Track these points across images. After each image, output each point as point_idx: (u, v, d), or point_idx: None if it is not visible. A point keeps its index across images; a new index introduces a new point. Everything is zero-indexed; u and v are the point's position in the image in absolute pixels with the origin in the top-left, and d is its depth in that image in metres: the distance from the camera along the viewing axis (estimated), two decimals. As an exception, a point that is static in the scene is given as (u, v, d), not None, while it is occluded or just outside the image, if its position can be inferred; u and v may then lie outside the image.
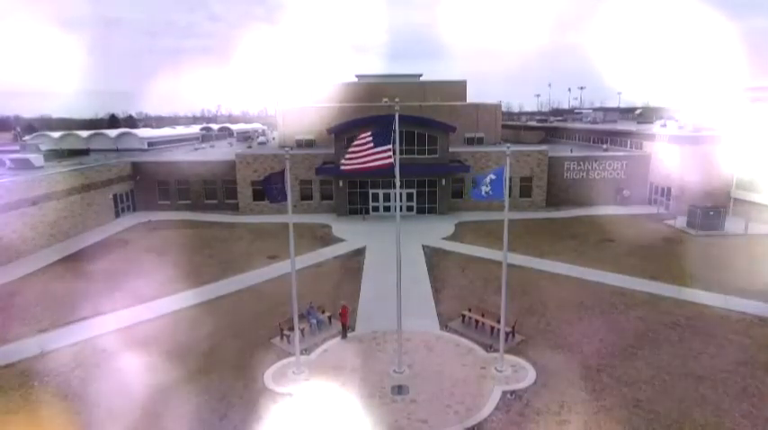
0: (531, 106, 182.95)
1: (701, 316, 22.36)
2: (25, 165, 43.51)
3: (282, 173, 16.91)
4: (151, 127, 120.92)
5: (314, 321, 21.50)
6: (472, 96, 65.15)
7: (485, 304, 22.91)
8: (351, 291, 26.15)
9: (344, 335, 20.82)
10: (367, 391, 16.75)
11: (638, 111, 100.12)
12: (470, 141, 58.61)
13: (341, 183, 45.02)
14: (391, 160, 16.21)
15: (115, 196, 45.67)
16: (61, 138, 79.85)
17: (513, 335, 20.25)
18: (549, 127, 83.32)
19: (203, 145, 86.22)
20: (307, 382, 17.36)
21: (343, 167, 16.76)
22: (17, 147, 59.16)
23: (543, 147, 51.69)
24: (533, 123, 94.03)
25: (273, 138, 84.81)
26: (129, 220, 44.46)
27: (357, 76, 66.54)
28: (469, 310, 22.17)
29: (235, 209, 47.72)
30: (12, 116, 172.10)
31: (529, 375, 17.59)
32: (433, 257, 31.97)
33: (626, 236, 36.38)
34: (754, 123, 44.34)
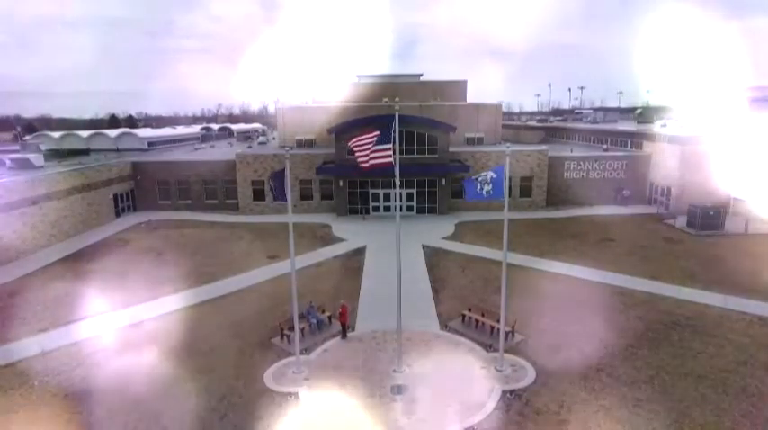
0: (531, 106, 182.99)
1: (700, 315, 22.38)
2: (25, 164, 43.56)
3: (283, 172, 16.95)
4: (151, 127, 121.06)
5: (314, 321, 21.51)
6: (472, 96, 65.14)
7: (485, 304, 22.93)
8: (351, 290, 26.17)
9: (344, 335, 20.84)
10: (367, 391, 16.77)
11: (638, 111, 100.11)
12: (470, 141, 58.59)
13: (341, 183, 45.05)
14: (391, 159, 16.25)
15: (115, 196, 45.70)
16: (61, 137, 80.00)
17: (513, 335, 20.26)
18: (549, 127, 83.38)
19: (203, 145, 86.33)
20: (307, 382, 17.38)
21: (355, 151, 16.56)
22: (17, 147, 59.15)
23: (543, 147, 51.70)
24: (533, 123, 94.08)
25: (274, 138, 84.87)
26: (129, 220, 44.48)
27: (357, 76, 66.51)
28: (469, 310, 22.19)
29: (235, 209, 47.75)
30: (12, 116, 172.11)
31: (528, 375, 17.61)
32: (433, 257, 31.99)
33: (626, 235, 36.41)
34: (754, 123, 44.34)
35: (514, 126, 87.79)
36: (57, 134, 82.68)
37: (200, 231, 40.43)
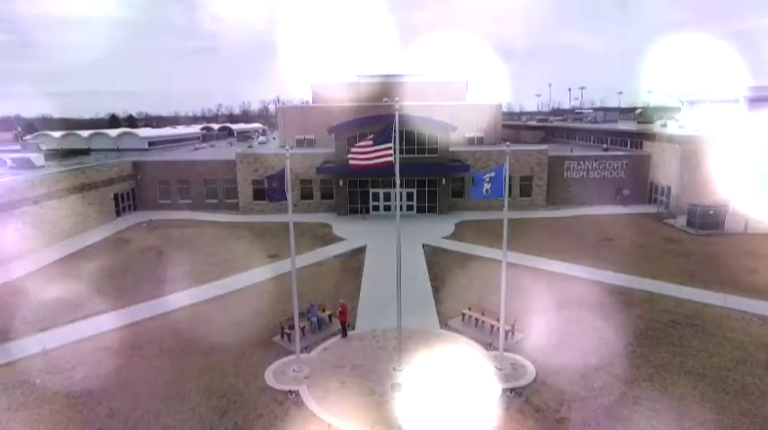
0: (531, 106, 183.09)
1: (700, 314, 22.42)
2: (26, 164, 43.62)
3: (282, 172, 16.97)
4: (152, 127, 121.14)
5: (314, 319, 21.55)
6: (473, 96, 65.20)
7: (484, 303, 22.94)
8: (351, 289, 26.22)
9: (345, 334, 20.88)
10: (367, 389, 16.81)
11: (638, 111, 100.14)
12: (471, 141, 58.66)
13: (341, 183, 45.09)
14: (392, 158, 16.29)
15: (116, 195, 45.75)
16: (62, 137, 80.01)
17: (513, 334, 20.30)
18: (549, 127, 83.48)
19: (204, 144, 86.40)
20: (307, 380, 17.42)
21: (351, 162, 16.86)
22: (18, 147, 59.22)
23: (543, 147, 51.73)
24: (534, 123, 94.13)
25: (274, 138, 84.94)
26: (129, 220, 44.53)
27: (358, 76, 66.57)
28: (469, 309, 22.23)
29: (235, 208, 47.78)
30: (13, 116, 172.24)
31: (528, 373, 17.64)
32: (433, 256, 32.03)
33: (626, 235, 36.45)
34: (753, 123, 44.38)
35: (515, 126, 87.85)
36: (57, 134, 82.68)
37: (200, 231, 40.47)
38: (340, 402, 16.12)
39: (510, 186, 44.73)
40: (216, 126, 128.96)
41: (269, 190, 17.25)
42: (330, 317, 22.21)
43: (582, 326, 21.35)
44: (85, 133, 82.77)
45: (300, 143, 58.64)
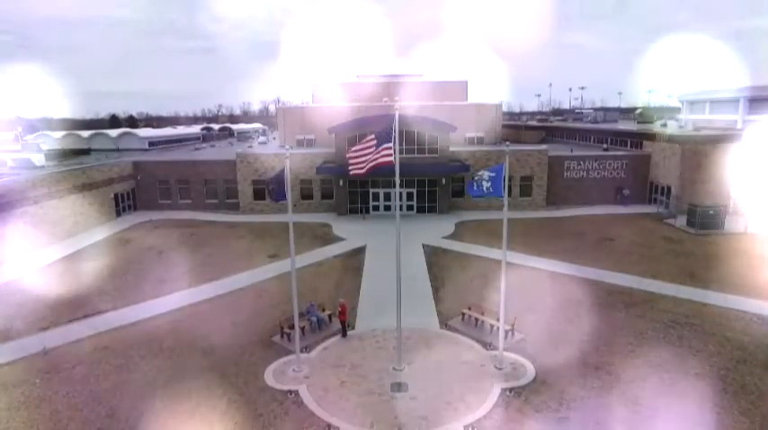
0: (531, 106, 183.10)
1: (700, 314, 22.41)
2: (27, 164, 43.67)
3: (281, 174, 17.00)
4: (152, 127, 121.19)
5: (314, 319, 21.57)
6: (473, 96, 65.20)
7: (484, 302, 22.94)
8: (351, 289, 26.23)
9: (344, 334, 20.90)
10: (367, 388, 16.82)
11: (638, 111, 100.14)
12: (471, 141, 58.66)
13: (341, 183, 45.11)
14: (392, 158, 16.31)
15: (116, 195, 45.79)
16: (62, 137, 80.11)
17: (513, 333, 20.31)
18: (549, 126, 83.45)
19: (204, 145, 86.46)
20: (307, 380, 17.43)
21: (351, 172, 16.97)
22: (19, 147, 59.25)
23: (543, 147, 51.75)
24: (534, 123, 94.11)
25: (274, 138, 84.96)
26: (130, 220, 44.57)
27: (358, 76, 66.61)
28: (469, 308, 22.24)
29: (235, 208, 47.81)
30: (14, 116, 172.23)
31: (528, 373, 17.66)
32: (433, 256, 32.05)
33: (625, 235, 36.46)
34: (753, 123, 44.38)
35: (515, 126, 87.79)
36: (58, 134, 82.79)
37: (200, 230, 40.50)
38: (339, 402, 16.14)
39: (510, 186, 45.32)
40: (216, 126, 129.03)
41: (271, 190, 17.35)
42: (330, 316, 22.22)
43: (581, 325, 21.37)
44: (86, 133, 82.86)
45: (300, 143, 58.67)
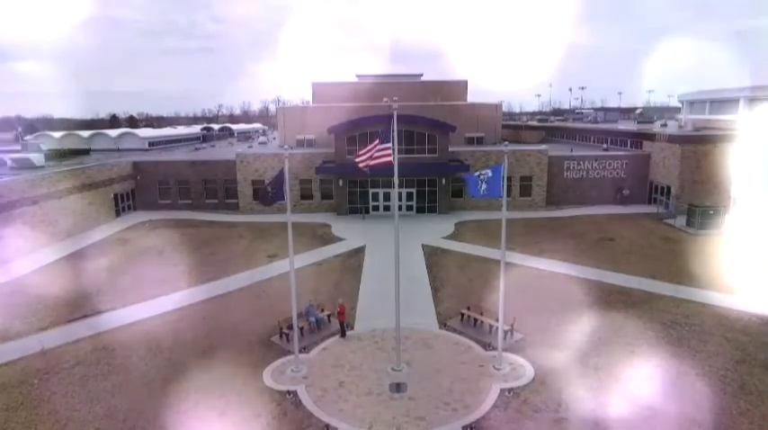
0: (531, 106, 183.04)
1: (699, 314, 22.39)
2: (26, 164, 43.68)
3: (278, 176, 16.96)
4: (152, 127, 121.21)
5: (313, 320, 21.56)
6: (472, 96, 65.23)
7: (484, 302, 22.93)
8: (350, 289, 26.22)
9: (343, 334, 20.88)
10: (365, 389, 16.81)
11: (638, 111, 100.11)
12: (471, 141, 58.65)
13: (341, 183, 45.09)
14: (391, 158, 16.31)
15: (116, 195, 45.79)
16: (62, 137, 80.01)
17: (512, 334, 20.29)
18: (549, 126, 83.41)
19: (204, 145, 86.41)
20: (305, 380, 17.41)
21: (360, 164, 16.90)
22: (18, 147, 59.28)
23: (543, 147, 51.73)
24: (534, 123, 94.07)
25: (274, 138, 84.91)
26: (129, 220, 44.56)
27: (357, 76, 66.60)
28: (468, 309, 22.23)
29: (235, 208, 47.81)
30: (14, 116, 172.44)
31: (527, 373, 17.63)
32: (433, 256, 32.03)
33: (625, 235, 36.44)
34: (753, 122, 44.31)
35: (515, 126, 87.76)
36: (58, 134, 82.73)
37: (200, 231, 40.49)
38: (338, 402, 16.12)
39: (510, 186, 45.32)
40: (216, 126, 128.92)
41: (264, 192, 17.21)
42: (329, 317, 22.21)
43: (581, 326, 21.34)
44: (86, 133, 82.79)
45: (300, 143, 58.66)
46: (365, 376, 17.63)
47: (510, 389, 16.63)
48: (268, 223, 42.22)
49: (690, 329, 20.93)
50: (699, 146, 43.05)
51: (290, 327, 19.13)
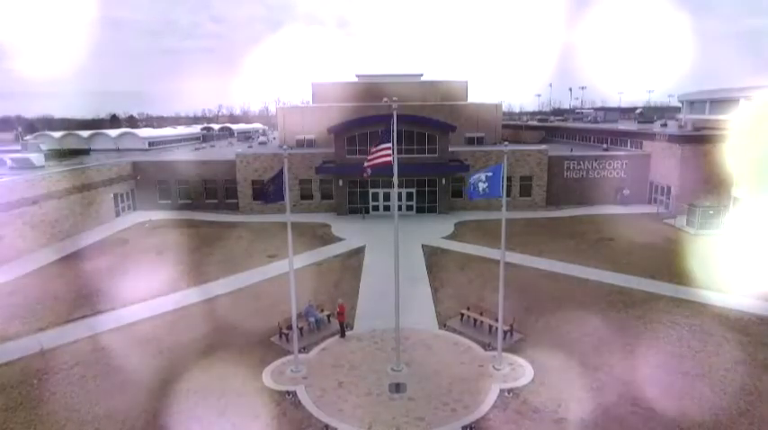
0: (532, 106, 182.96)
1: (699, 314, 22.37)
2: (26, 164, 43.63)
3: (278, 175, 16.93)
4: (152, 127, 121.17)
5: (313, 320, 21.55)
6: (473, 96, 65.22)
7: (483, 303, 22.93)
8: (350, 289, 26.21)
9: (343, 334, 20.87)
10: (365, 389, 16.79)
11: (638, 111, 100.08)
12: (471, 141, 58.63)
13: (341, 183, 45.08)
14: (390, 158, 16.29)
15: (115, 195, 45.76)
16: (62, 137, 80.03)
17: (512, 334, 20.27)
18: (549, 126, 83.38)
19: (204, 145, 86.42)
20: (305, 381, 17.40)
21: (366, 165, 16.85)
22: (18, 147, 59.24)
23: (543, 147, 51.71)
24: (534, 123, 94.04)
25: (274, 138, 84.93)
26: (129, 220, 44.54)
27: (357, 76, 66.55)
28: (468, 309, 22.20)
29: (235, 208, 47.80)
30: (14, 116, 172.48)
31: (527, 373, 17.62)
32: (433, 256, 32.01)
33: (625, 235, 36.40)
34: (752, 122, 44.25)
35: (515, 126, 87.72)
36: (57, 134, 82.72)
37: (199, 231, 40.48)
38: (338, 403, 16.11)
39: (510, 186, 45.30)
40: (216, 126, 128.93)
41: (264, 191, 17.16)
42: (329, 317, 22.19)
43: (580, 326, 21.33)
44: (86, 133, 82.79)
45: (300, 143, 58.63)
46: (365, 376, 17.61)
47: (509, 390, 16.61)
48: (268, 223, 42.22)
49: (689, 329, 20.91)
50: (699, 146, 43.03)
51: (290, 328, 19.11)
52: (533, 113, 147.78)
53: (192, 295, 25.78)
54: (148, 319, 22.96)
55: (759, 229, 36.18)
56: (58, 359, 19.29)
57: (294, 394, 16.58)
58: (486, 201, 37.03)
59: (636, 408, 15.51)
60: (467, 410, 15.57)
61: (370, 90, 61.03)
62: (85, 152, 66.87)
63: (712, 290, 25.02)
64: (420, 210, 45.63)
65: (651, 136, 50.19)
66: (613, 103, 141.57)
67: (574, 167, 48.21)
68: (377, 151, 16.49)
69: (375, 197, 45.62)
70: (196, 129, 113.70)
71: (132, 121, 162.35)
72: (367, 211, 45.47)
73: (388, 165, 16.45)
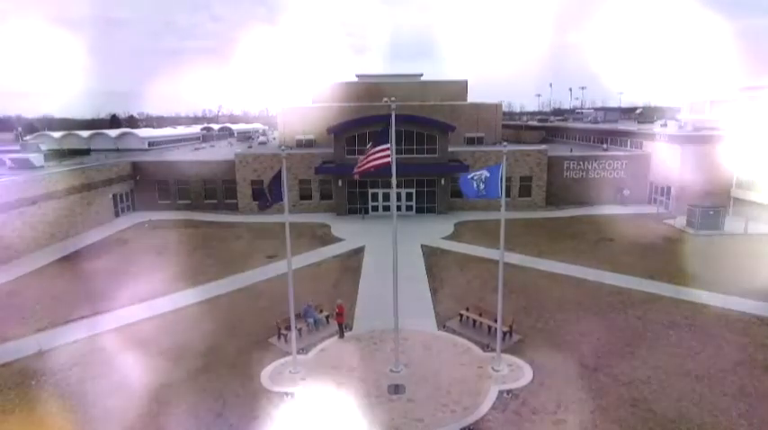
0: (532, 106, 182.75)
1: (699, 315, 22.31)
2: (25, 164, 43.59)
3: (276, 177, 16.88)
4: (152, 127, 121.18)
5: (311, 320, 21.50)
6: (473, 96, 65.09)
7: (483, 303, 22.86)
8: (349, 290, 26.16)
9: (342, 335, 20.82)
10: (364, 390, 16.74)
11: (638, 111, 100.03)
12: (471, 141, 58.56)
13: (340, 183, 45.03)
14: (389, 159, 16.24)
15: (115, 196, 45.73)
16: (62, 137, 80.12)
17: (511, 335, 20.22)
18: (549, 126, 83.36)
19: (204, 145, 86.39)
20: (303, 382, 17.35)
21: (356, 173, 16.87)
22: (18, 147, 59.21)
23: (543, 147, 51.66)
24: (534, 123, 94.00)
25: (274, 138, 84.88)
26: (128, 220, 44.51)
27: (357, 76, 66.52)
28: (467, 310, 22.15)
29: (234, 208, 47.75)
30: (14, 116, 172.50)
31: (526, 374, 17.57)
32: (432, 257, 31.96)
33: (625, 235, 36.34)
34: (753, 122, 44.24)
35: (515, 126, 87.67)
36: (57, 134, 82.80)
37: (199, 231, 40.44)
38: (336, 404, 16.05)
39: (509, 187, 45.25)
40: (216, 126, 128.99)
41: (261, 196, 17.01)
42: (327, 318, 22.15)
43: (580, 326, 21.29)
44: (85, 133, 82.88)
45: (300, 143, 58.57)
46: (363, 377, 17.56)
47: (509, 391, 16.56)
48: (267, 223, 42.14)
49: (689, 330, 20.85)
50: (699, 146, 42.97)
51: (289, 328, 19.06)
52: (533, 113, 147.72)
53: (190, 296, 25.73)
54: (147, 320, 22.92)
55: (759, 230, 36.15)
56: (56, 360, 19.24)
57: (293, 395, 16.53)
58: (485, 201, 36.99)
59: (635, 409, 15.47)
60: (466, 411, 15.52)
61: (370, 90, 60.99)
62: (85, 152, 66.86)
63: (712, 290, 24.96)
64: (420, 211, 45.59)
65: (651, 136, 50.16)
66: (614, 103, 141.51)
67: (574, 167, 48.16)
68: (373, 153, 16.42)
69: (374, 197, 45.57)
70: (196, 129, 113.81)
71: (132, 121, 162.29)
72: (366, 212, 45.43)
73: (387, 166, 16.41)
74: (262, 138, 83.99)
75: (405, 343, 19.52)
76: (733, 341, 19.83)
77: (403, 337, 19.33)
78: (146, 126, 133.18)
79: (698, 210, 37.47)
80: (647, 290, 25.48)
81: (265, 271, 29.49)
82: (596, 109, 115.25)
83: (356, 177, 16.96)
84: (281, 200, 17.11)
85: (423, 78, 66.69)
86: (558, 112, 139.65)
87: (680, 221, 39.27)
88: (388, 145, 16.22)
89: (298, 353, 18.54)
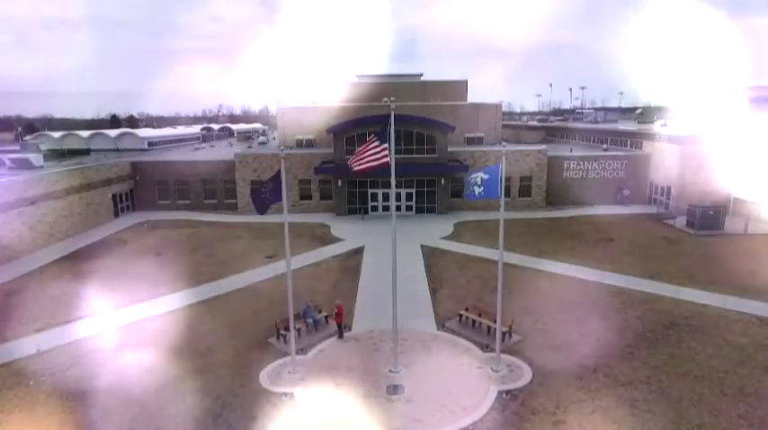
0: (532, 106, 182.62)
1: (699, 315, 22.28)
2: (25, 164, 43.61)
3: (277, 175, 16.83)
4: (152, 127, 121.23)
5: (310, 321, 21.47)
6: (473, 96, 65.08)
7: (482, 303, 22.84)
8: (348, 290, 26.12)
9: (341, 335, 20.79)
10: (363, 391, 16.70)
11: (638, 111, 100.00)
12: (470, 141, 58.51)
13: (340, 183, 45.00)
14: (388, 159, 16.21)
15: (114, 196, 45.71)
16: (62, 137, 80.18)
17: (510, 335, 20.19)
18: (549, 126, 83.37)
19: (203, 145, 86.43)
20: (303, 382, 17.32)
21: (353, 168, 16.83)
22: (18, 147, 59.23)
23: (543, 147, 51.62)
24: (534, 123, 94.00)
25: (274, 138, 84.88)
26: (128, 220, 44.48)
27: (357, 76, 66.49)
28: (466, 310, 22.12)
29: (234, 208, 47.74)
30: (14, 116, 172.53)
31: (525, 375, 17.53)
32: (432, 257, 31.92)
33: (625, 235, 36.31)
34: (753, 123, 44.17)
35: (515, 126, 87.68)
36: (57, 134, 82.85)
37: (198, 231, 40.42)
38: (335, 404, 16.01)
39: (509, 187, 45.19)
40: (216, 126, 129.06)
41: (259, 198, 16.81)
42: (327, 318, 22.11)
43: (580, 327, 21.24)
44: (85, 133, 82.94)
45: (300, 143, 58.54)
46: (362, 378, 17.52)
47: (508, 391, 16.53)
48: (267, 223, 42.01)
49: (689, 330, 20.82)
50: (699, 146, 42.92)
51: (288, 328, 19.03)
52: (533, 113, 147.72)
53: (190, 296, 25.69)
54: (146, 320, 22.89)
55: (759, 230, 36.11)
56: (54, 360, 19.22)
57: (291, 395, 16.50)
58: (485, 201, 36.89)
59: (635, 410, 15.43)
60: (465, 412, 15.48)
61: (370, 90, 60.93)
62: (85, 152, 66.92)
63: (712, 290, 24.93)
64: (419, 211, 45.55)
65: (651, 136, 50.12)
66: (614, 103, 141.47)
67: (573, 167, 48.13)
68: (370, 149, 16.36)
69: (374, 197, 45.54)
70: (196, 129, 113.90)
71: (132, 121, 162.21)
72: (366, 212, 45.40)
73: (387, 166, 16.38)
74: (262, 139, 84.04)
75: (404, 343, 19.49)
76: (732, 341, 19.80)
77: (402, 338, 19.30)
78: (146, 126, 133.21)
79: (698, 210, 37.42)
80: (647, 290, 25.45)
81: (265, 271, 29.46)
82: (596, 109, 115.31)
83: (354, 169, 16.87)
84: (280, 200, 17.06)
85: (423, 78, 66.68)
86: (558, 112, 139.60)
87: (680, 221, 39.23)
88: (386, 145, 16.18)
89: (297, 353, 18.50)
